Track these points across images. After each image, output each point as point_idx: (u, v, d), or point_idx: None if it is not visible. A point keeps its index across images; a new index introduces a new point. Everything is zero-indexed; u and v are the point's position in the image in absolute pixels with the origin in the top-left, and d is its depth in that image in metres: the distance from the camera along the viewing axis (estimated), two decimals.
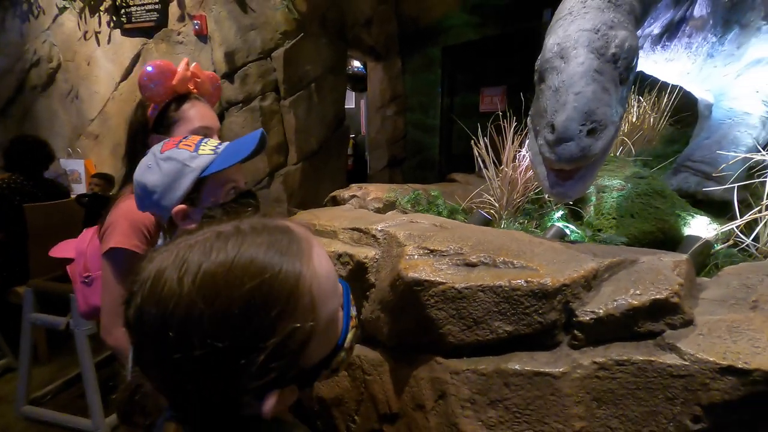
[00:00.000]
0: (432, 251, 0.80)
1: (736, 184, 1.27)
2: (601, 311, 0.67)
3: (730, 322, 0.67)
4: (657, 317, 0.67)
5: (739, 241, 1.23)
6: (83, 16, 4.31)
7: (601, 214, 1.45)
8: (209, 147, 0.94)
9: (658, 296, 0.66)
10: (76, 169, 4.55)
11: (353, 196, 1.49)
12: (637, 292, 0.67)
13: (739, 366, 0.58)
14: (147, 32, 4.08)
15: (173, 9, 3.94)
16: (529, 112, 1.00)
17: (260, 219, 0.48)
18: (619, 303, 0.67)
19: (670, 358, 0.63)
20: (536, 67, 0.96)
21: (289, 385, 0.45)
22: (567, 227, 1.45)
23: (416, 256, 0.80)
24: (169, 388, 0.44)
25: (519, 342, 0.71)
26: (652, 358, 0.64)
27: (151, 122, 1.25)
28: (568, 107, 0.82)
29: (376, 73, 5.89)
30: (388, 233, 0.94)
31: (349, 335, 0.52)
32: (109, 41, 4.27)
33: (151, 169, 0.91)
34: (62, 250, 1.47)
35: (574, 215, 1.58)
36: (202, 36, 3.92)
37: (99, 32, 4.27)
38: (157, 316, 0.41)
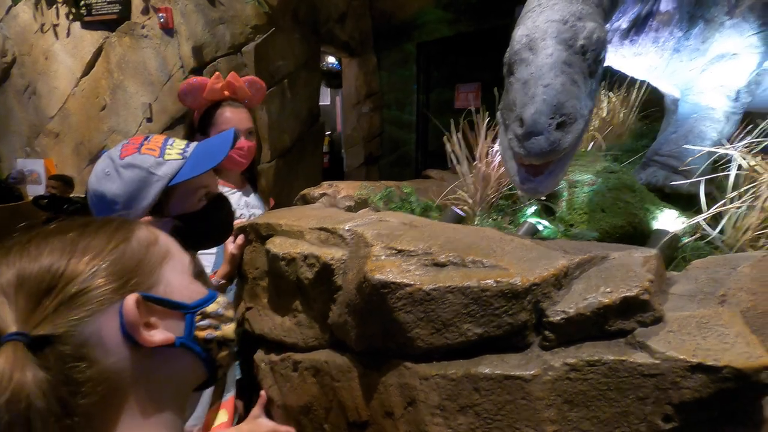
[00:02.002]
0: (400, 251, 0.76)
1: (702, 178, 1.28)
2: (571, 310, 0.65)
3: (700, 318, 0.66)
4: (628, 315, 0.65)
5: (706, 234, 1.25)
6: (39, 7, 4.07)
7: (573, 209, 1.45)
8: (176, 150, 0.86)
9: (628, 294, 0.64)
10: (35, 170, 4.32)
11: (323, 195, 1.45)
12: (608, 289, 0.65)
13: (709, 363, 0.57)
14: (109, 25, 3.90)
15: (136, 1, 3.78)
16: (499, 106, 0.98)
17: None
18: (590, 301, 0.65)
19: (641, 357, 0.62)
20: (505, 60, 0.94)
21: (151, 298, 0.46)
22: (540, 223, 1.44)
23: (383, 257, 0.76)
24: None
25: (489, 344, 0.69)
26: (623, 358, 0.62)
27: (197, 123, 1.51)
28: (536, 100, 0.80)
29: (351, 69, 5.83)
30: (356, 233, 0.90)
31: (229, 326, 0.53)
32: (68, 34, 4.06)
33: (109, 177, 0.82)
34: None
35: (547, 210, 1.57)
36: (168, 29, 3.77)
37: (57, 25, 4.05)
38: None
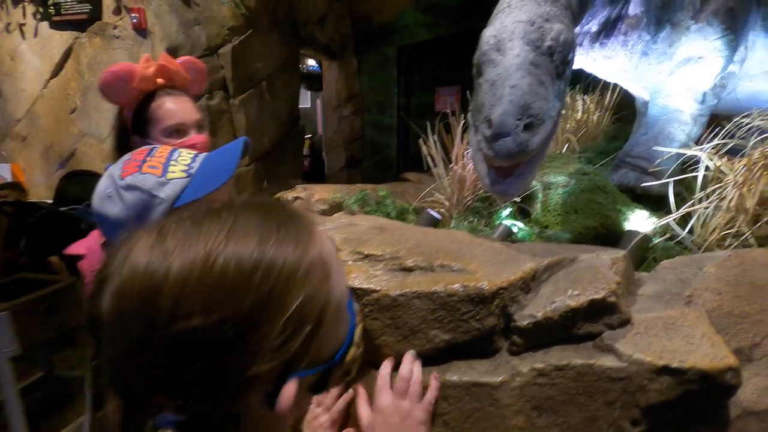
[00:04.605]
0: (367, 256, 0.74)
1: (671, 179, 1.30)
2: (539, 314, 0.64)
3: (666, 319, 0.66)
4: (595, 318, 0.65)
5: (676, 234, 1.27)
6: (4, 6, 3.92)
7: (548, 211, 1.46)
8: (181, 167, 0.78)
9: (595, 296, 0.63)
10: (1, 175, 4.15)
11: (297, 198, 1.42)
12: (576, 292, 0.64)
13: (675, 366, 0.57)
14: (79, 25, 3.77)
15: (108, 1, 3.67)
16: (469, 108, 0.97)
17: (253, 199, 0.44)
18: (558, 305, 0.64)
19: (609, 360, 0.61)
20: (474, 61, 0.93)
21: (306, 374, 0.41)
22: (515, 225, 1.44)
23: (350, 262, 0.74)
24: (165, 388, 0.38)
25: (457, 350, 0.67)
26: (592, 362, 0.61)
27: (130, 123, 1.24)
28: (504, 101, 0.79)
29: (332, 72, 5.81)
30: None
31: (357, 329, 0.48)
32: (35, 34, 3.91)
33: (111, 199, 0.77)
34: (74, 248, 1.36)
35: (522, 212, 1.58)
36: (141, 30, 3.67)
37: (23, 24, 3.90)
38: (146, 301, 0.36)
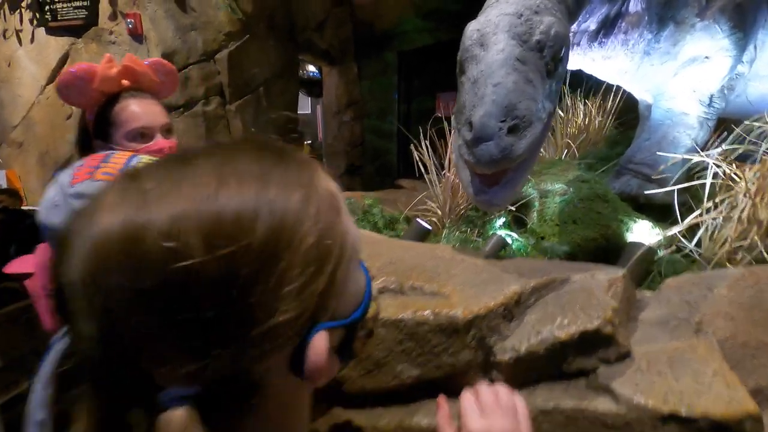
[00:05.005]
0: None
1: (676, 187, 1.21)
2: (522, 348, 0.55)
3: (672, 352, 0.57)
4: (588, 352, 0.56)
5: (682, 247, 1.17)
6: (2, 12, 3.92)
7: (544, 221, 1.36)
8: None
9: (588, 326, 0.54)
10: None
11: None
12: (565, 321, 0.55)
13: (683, 414, 0.48)
14: (75, 31, 3.76)
15: (104, 6, 3.65)
16: (453, 110, 0.89)
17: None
18: (544, 336, 0.55)
19: (604, 403, 0.52)
20: (458, 58, 0.85)
21: (333, 326, 0.35)
22: (509, 236, 1.35)
23: None
24: (170, 351, 0.31)
25: (429, 387, 0.58)
26: (584, 404, 0.52)
27: (92, 127, 1.16)
28: (486, 101, 0.70)
29: (332, 78, 5.77)
30: None
31: (373, 284, 0.42)
32: (32, 40, 3.90)
33: (58, 209, 0.69)
34: (18, 266, 1.26)
35: (518, 222, 1.49)
36: (137, 36, 3.65)
37: (20, 30, 3.90)
38: (132, 250, 0.29)
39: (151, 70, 1.20)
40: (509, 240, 1.31)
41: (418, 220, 1.41)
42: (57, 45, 3.88)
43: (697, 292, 0.68)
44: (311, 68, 6.67)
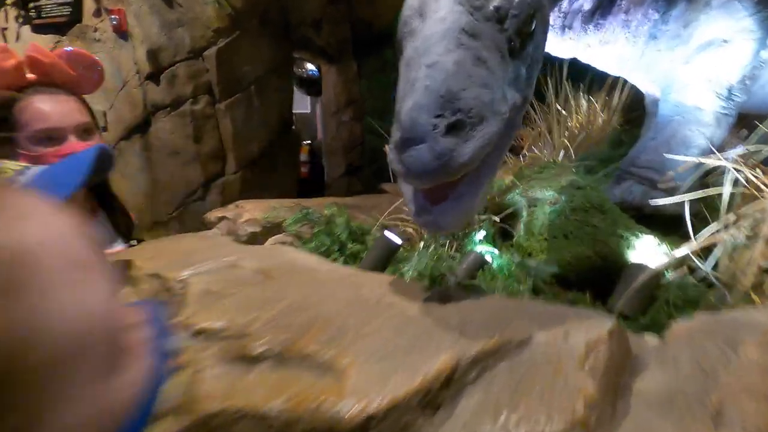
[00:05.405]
0: (202, 331, 0.48)
1: (688, 196, 1.01)
2: None
3: None
4: None
5: (695, 268, 0.98)
6: None
7: (532, 234, 1.17)
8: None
9: (547, 430, 0.36)
10: None
11: (223, 218, 1.16)
12: (513, 418, 0.37)
13: None
14: (60, 28, 3.67)
15: (88, 3, 3.55)
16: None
17: None
18: None
19: None
20: (396, 37, 0.66)
21: None
22: (491, 252, 1.16)
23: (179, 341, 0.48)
24: None
25: None
26: None
27: None
28: (416, 88, 0.52)
29: (330, 76, 5.63)
30: (188, 285, 0.62)
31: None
32: (17, 38, 3.81)
33: None
34: None
35: (504, 234, 1.29)
36: (122, 33, 3.54)
37: (6, 29, 3.82)
38: None
39: (64, 61, 1.06)
40: (488, 258, 1.12)
41: (387, 232, 1.23)
42: (43, 43, 3.76)
43: (714, 351, 0.49)
44: (310, 67, 6.54)
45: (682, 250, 0.94)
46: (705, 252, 0.98)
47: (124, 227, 1.26)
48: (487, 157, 0.56)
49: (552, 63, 1.73)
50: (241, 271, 0.65)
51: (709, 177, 1.10)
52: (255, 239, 1.16)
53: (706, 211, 1.09)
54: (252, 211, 1.18)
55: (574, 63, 1.74)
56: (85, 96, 1.19)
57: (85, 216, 1.16)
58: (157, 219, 3.69)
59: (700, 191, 1.03)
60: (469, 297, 0.59)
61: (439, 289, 0.67)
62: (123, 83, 3.61)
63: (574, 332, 0.48)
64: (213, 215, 1.18)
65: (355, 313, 0.50)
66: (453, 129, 0.53)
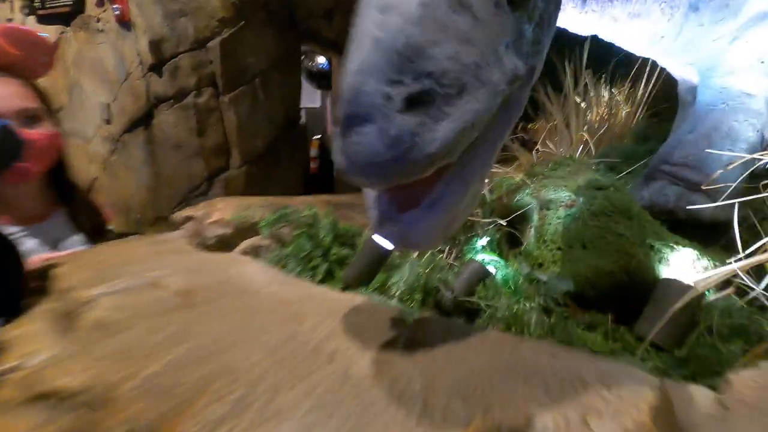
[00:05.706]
0: (51, 394, 0.33)
1: (734, 200, 0.83)
2: None
3: None
4: None
5: (743, 285, 0.80)
6: None
7: (543, 242, 1.01)
8: None
9: None
10: None
11: (189, 219, 1.03)
12: None
13: None
14: (64, 19, 3.64)
15: None
16: None
17: None
18: None
19: None
20: None
21: None
22: (495, 262, 1.00)
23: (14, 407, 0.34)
24: None
25: None
26: None
27: None
28: (364, 43, 0.35)
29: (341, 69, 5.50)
30: (91, 309, 0.48)
31: None
32: None
33: None
34: None
35: (511, 240, 1.13)
36: (125, 23, 3.48)
37: (11, 19, 3.81)
38: None
39: (2, 39, 0.96)
40: (492, 268, 0.96)
41: (376, 236, 1.07)
42: (47, 33, 3.77)
43: None
44: (321, 60, 6.42)
45: (729, 265, 0.76)
46: (756, 269, 0.80)
47: (88, 225, 1.15)
48: (475, 146, 0.39)
49: (571, 47, 1.55)
50: (159, 293, 0.51)
51: (760, 177, 0.92)
52: (225, 243, 1.02)
53: (755, 218, 0.91)
54: (223, 211, 1.04)
55: (594, 47, 1.55)
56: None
57: (34, 215, 1.04)
58: (159, 213, 3.62)
59: (750, 195, 0.85)
60: (450, 336, 0.44)
61: (409, 328, 0.52)
62: (126, 75, 3.56)
63: (597, 413, 0.32)
64: (179, 215, 1.05)
65: (277, 368, 0.36)
66: (416, 103, 0.35)
